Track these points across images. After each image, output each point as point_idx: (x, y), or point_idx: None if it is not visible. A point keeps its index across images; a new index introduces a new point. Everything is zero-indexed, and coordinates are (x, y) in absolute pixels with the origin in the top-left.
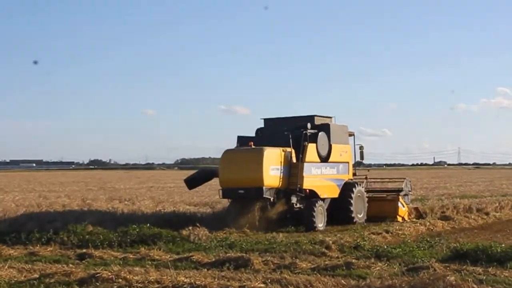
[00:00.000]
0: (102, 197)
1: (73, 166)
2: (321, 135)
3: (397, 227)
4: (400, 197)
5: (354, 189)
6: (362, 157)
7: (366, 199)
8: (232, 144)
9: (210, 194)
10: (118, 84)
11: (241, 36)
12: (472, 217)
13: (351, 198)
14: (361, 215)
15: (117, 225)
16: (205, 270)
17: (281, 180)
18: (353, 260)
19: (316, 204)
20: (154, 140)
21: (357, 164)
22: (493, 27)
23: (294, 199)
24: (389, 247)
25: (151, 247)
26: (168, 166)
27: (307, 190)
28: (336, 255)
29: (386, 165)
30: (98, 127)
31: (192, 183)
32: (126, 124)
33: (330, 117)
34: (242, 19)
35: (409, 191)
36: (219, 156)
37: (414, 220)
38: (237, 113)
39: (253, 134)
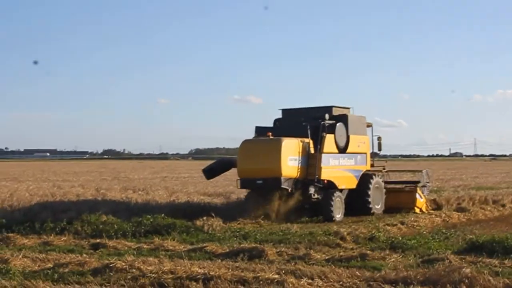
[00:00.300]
0: (116, 187)
1: (87, 155)
2: (339, 125)
3: (412, 219)
4: (418, 189)
5: (372, 180)
6: (380, 148)
7: (384, 190)
8: (246, 134)
9: (224, 185)
10: (133, 74)
11: (254, 27)
12: (488, 208)
13: (369, 189)
14: (379, 206)
15: (131, 215)
16: (219, 260)
17: (299, 170)
18: (368, 252)
19: (334, 195)
20: (168, 130)
21: (373, 155)
22: (508, 17)
23: (312, 190)
24: (404, 239)
25: (165, 237)
26: (182, 156)
27: (325, 181)
28: (351, 247)
29: (402, 156)
30: (112, 117)
31: (210, 173)
32: (140, 114)
33: (348, 108)
34: (253, 10)
35: (427, 182)
36: (233, 146)
37: (432, 211)
38: (250, 102)
39: (268, 124)
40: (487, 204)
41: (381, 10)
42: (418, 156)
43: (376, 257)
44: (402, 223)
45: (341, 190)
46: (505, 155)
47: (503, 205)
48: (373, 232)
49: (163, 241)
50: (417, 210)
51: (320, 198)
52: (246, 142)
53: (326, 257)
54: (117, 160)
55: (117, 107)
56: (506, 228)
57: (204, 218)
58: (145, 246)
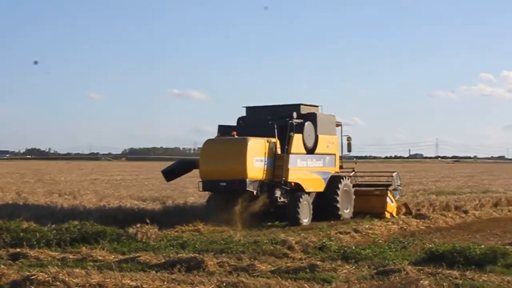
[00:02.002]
0: (39, 190)
1: (7, 155)
2: (308, 125)
3: (367, 226)
4: (389, 192)
5: (340, 183)
6: (349, 149)
7: (354, 193)
8: (187, 132)
9: (161, 188)
10: (62, 65)
11: (196, 20)
12: (450, 215)
13: (338, 192)
14: (348, 210)
15: (56, 222)
16: (154, 272)
17: (265, 172)
18: (318, 262)
19: (301, 198)
20: (99, 127)
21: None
22: (473, 9)
23: (278, 193)
24: (357, 248)
25: (94, 247)
26: (115, 157)
27: (292, 183)
28: (299, 257)
29: (357, 157)
30: (36, 113)
31: (170, 174)
32: (69, 110)
33: (317, 106)
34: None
35: (399, 186)
36: (171, 145)
37: (402, 216)
38: (192, 98)
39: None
40: (449, 211)
41: (338, 7)
42: (375, 157)
43: (326, 268)
44: (356, 231)
45: (308, 194)
46: (468, 157)
47: (466, 212)
48: (324, 240)
49: (91, 251)
50: (388, 215)
51: (286, 201)
52: (209, 142)
53: (272, 268)
54: (42, 160)
55: (42, 102)
56: (469, 237)
57: (138, 225)
58: (71, 256)
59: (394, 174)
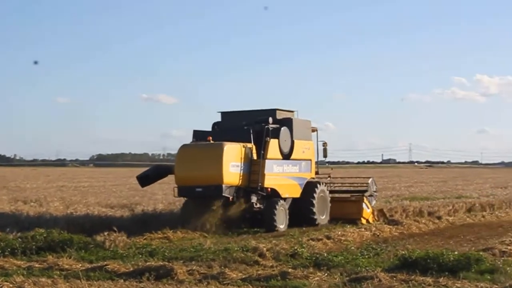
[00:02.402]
0: (4, 197)
1: None
2: (284, 130)
3: (340, 233)
4: (365, 198)
5: (316, 188)
6: (325, 154)
7: (329, 199)
8: (157, 137)
9: (129, 195)
10: (27, 68)
11: (164, 22)
12: (423, 221)
13: (314, 198)
14: (324, 216)
15: (21, 230)
16: (122, 281)
17: (241, 177)
18: (290, 270)
19: (278, 204)
20: (66, 132)
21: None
22: (450, 9)
23: (254, 198)
24: (330, 255)
25: (60, 255)
26: (83, 163)
27: (269, 189)
28: (271, 264)
29: (329, 162)
30: (0, 118)
31: (144, 180)
32: (35, 114)
33: (293, 111)
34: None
35: (375, 191)
36: (140, 151)
37: (378, 222)
38: (161, 102)
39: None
40: (422, 216)
41: (310, 12)
42: (348, 162)
43: (298, 276)
44: (328, 238)
45: (284, 199)
46: (442, 162)
47: (439, 218)
48: (295, 247)
49: (58, 259)
50: (364, 221)
51: (262, 207)
52: (184, 147)
53: (243, 276)
54: (6, 167)
55: (6, 107)
56: (442, 243)
57: (106, 233)
58: (37, 265)
59: (369, 180)
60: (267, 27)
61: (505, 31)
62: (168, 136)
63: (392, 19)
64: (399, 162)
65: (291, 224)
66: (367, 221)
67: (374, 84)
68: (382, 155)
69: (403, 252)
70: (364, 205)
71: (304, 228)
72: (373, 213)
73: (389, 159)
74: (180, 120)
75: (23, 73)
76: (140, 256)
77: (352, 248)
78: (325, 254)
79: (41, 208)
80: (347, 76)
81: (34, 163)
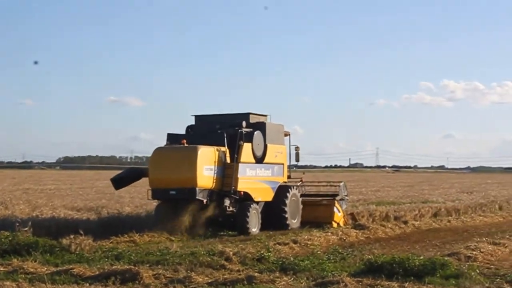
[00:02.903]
0: None
1: None
2: (257, 134)
3: (306, 237)
4: (336, 202)
5: (288, 192)
6: (297, 158)
7: (301, 203)
8: (124, 141)
9: (95, 198)
10: None
11: (135, 25)
12: (389, 226)
13: (286, 202)
14: (296, 220)
15: None
16: (87, 284)
17: (214, 181)
18: (256, 274)
19: (251, 208)
20: (32, 135)
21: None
22: (418, 17)
23: (227, 202)
24: (296, 259)
25: (26, 258)
26: (49, 165)
27: (241, 193)
28: (237, 268)
29: (296, 166)
30: None
31: (119, 182)
32: (0, 116)
33: (266, 115)
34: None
35: (345, 196)
36: (108, 154)
37: (348, 226)
38: (129, 105)
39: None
40: (388, 221)
41: (283, 19)
42: (315, 166)
43: (264, 280)
44: (295, 242)
45: (257, 203)
46: (409, 167)
47: (405, 222)
48: (262, 252)
49: (23, 263)
50: (335, 225)
51: (235, 210)
52: (158, 150)
53: (209, 280)
54: None
55: None
56: (408, 248)
57: (72, 236)
58: (1, 269)
59: (341, 184)
60: (234, 31)
61: (471, 37)
62: (136, 139)
63: (361, 25)
64: (366, 167)
65: (263, 227)
66: (338, 224)
67: (342, 88)
68: (350, 159)
69: (369, 256)
70: (335, 209)
71: (271, 232)
72: (344, 217)
73: (356, 163)
74: (148, 123)
75: None
76: (106, 259)
77: (319, 252)
78: (292, 259)
79: (6, 211)
80: (315, 80)
81: None
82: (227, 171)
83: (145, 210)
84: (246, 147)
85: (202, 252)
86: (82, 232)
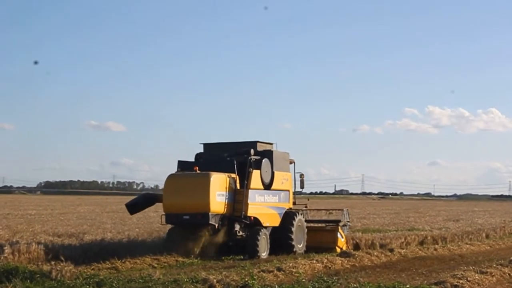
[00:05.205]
0: None
1: None
2: (265, 161)
3: (291, 264)
4: (339, 228)
5: (295, 218)
6: (302, 185)
7: (306, 229)
8: (105, 166)
9: (77, 224)
10: None
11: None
12: (375, 253)
13: (292, 227)
14: (301, 245)
15: None
16: None
17: (226, 206)
18: None
19: (261, 232)
20: (13, 159)
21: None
22: (402, 42)
23: (237, 227)
24: (281, 287)
25: (5, 285)
26: (30, 190)
27: (252, 218)
28: None
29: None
30: None
31: (133, 208)
32: None
33: (272, 144)
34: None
35: (348, 221)
36: (89, 179)
37: (348, 251)
38: (110, 129)
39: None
40: (374, 249)
41: (265, 39)
42: (300, 193)
43: None
44: (279, 270)
45: (265, 228)
46: (395, 194)
47: (391, 250)
48: (246, 279)
49: None
50: (338, 250)
51: (244, 235)
52: (172, 176)
53: None
54: None
55: None
56: (394, 276)
57: (52, 262)
58: None
59: (344, 210)
60: (213, 54)
61: (457, 63)
62: (118, 164)
63: (344, 49)
64: (352, 193)
65: (270, 251)
66: (341, 249)
67: (325, 114)
68: (335, 185)
69: (354, 285)
70: (338, 235)
71: (254, 260)
72: (346, 242)
73: (342, 190)
74: (129, 148)
75: None
76: (87, 286)
77: (303, 280)
78: (276, 286)
79: None
80: (299, 106)
81: None
82: (237, 197)
83: (127, 236)
84: (255, 174)
85: (185, 280)
86: (63, 258)
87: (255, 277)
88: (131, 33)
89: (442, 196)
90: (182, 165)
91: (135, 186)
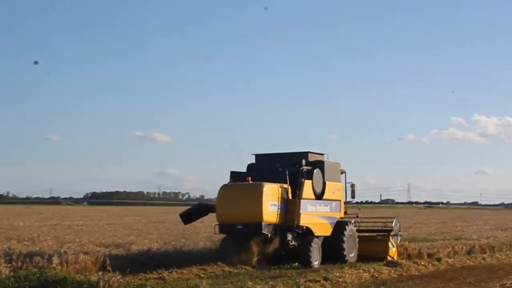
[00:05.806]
0: None
1: None
2: (317, 172)
3: (338, 274)
4: (390, 237)
5: (346, 227)
6: (353, 195)
7: (357, 238)
8: (152, 176)
9: (124, 234)
10: (17, 105)
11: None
12: (422, 263)
13: (344, 236)
14: (353, 254)
15: (14, 270)
16: None
17: (278, 216)
18: None
19: (313, 242)
20: (60, 170)
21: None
22: (449, 51)
23: (290, 236)
24: None
25: None
26: (76, 201)
27: (304, 227)
28: None
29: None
30: None
31: (187, 218)
32: (27, 152)
33: (323, 154)
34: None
35: (399, 231)
36: (135, 189)
37: (395, 260)
38: (156, 140)
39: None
40: (421, 258)
41: (307, 56)
42: (345, 202)
43: None
44: (326, 279)
45: (317, 237)
46: (441, 203)
47: (439, 259)
48: None
49: None
50: (389, 259)
51: (297, 244)
52: (225, 187)
53: None
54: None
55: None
56: (442, 286)
57: (100, 273)
58: None
59: (394, 219)
60: (255, 71)
61: (503, 72)
62: (163, 175)
63: (390, 61)
64: (397, 203)
65: (322, 261)
66: (393, 259)
67: (371, 124)
68: (381, 195)
69: None
70: (389, 244)
71: (301, 269)
72: (397, 251)
73: (388, 199)
74: (174, 158)
75: (12, 111)
76: None
77: None
78: None
79: (34, 247)
80: (344, 116)
81: (27, 201)
82: (289, 207)
83: (174, 247)
84: (307, 184)
85: None
86: (110, 269)
87: (301, 286)
88: (178, 50)
89: (489, 205)
90: (235, 175)
91: (180, 197)
